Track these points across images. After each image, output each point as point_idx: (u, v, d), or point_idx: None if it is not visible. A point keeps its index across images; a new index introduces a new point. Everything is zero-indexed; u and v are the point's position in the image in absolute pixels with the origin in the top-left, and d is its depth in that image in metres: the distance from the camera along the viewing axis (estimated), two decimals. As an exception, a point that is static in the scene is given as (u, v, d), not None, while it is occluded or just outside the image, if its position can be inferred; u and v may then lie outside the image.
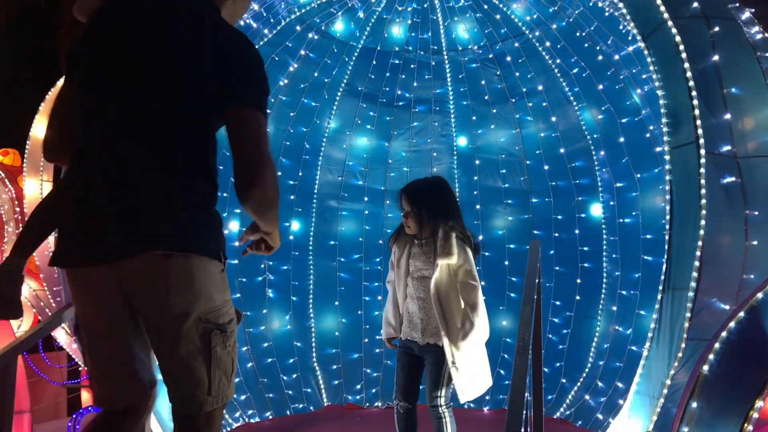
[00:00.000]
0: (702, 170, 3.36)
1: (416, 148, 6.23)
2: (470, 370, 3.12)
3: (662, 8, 3.60)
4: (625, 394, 3.88)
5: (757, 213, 3.37)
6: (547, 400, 5.22)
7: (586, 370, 5.28)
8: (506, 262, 5.88)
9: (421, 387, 3.40)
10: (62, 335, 7.22)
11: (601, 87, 5.25)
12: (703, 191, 3.34)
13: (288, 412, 5.48)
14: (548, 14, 5.41)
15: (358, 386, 5.83)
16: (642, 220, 4.93)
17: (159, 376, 1.93)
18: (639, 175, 4.97)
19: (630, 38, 4.42)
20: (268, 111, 1.80)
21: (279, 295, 5.83)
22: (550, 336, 5.59)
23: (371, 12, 5.75)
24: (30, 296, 7.70)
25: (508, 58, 5.84)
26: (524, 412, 1.92)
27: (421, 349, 3.27)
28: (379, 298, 5.98)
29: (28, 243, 2.12)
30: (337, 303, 6.02)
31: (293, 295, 5.89)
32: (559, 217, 5.82)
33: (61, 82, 7.75)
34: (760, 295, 2.86)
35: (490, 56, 5.92)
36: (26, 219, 2.09)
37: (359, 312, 5.98)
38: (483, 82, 6.00)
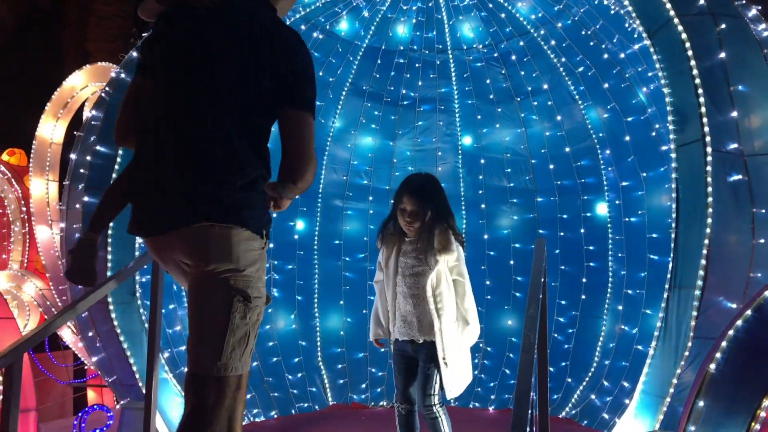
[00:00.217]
0: (708, 168, 3.35)
1: (421, 148, 6.22)
2: (458, 366, 3.15)
3: (668, 5, 3.59)
4: (631, 394, 3.86)
5: (764, 211, 3.35)
6: (553, 400, 5.20)
7: (592, 369, 5.26)
8: (511, 262, 5.86)
9: None
10: (68, 334, 7.24)
11: (606, 85, 5.23)
12: (710, 189, 3.33)
13: (293, 411, 5.48)
14: (553, 13, 5.40)
15: (363, 385, 5.83)
16: (648, 219, 4.90)
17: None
18: (645, 174, 4.95)
19: (636, 36, 4.40)
20: None
21: (284, 295, 5.83)
22: (556, 335, 5.58)
23: (376, 11, 5.75)
24: (36, 295, 7.73)
25: (513, 57, 5.83)
26: (530, 411, 1.91)
27: (417, 349, 3.20)
28: (384, 297, 5.97)
29: (103, 219, 2.38)
30: (342, 302, 6.02)
31: (298, 294, 5.89)
32: (565, 216, 5.80)
33: (66, 83, 7.79)
34: (767, 293, 2.84)
35: (495, 55, 5.91)
36: (102, 195, 2.46)
37: (364, 311, 5.98)
38: (488, 81, 5.99)
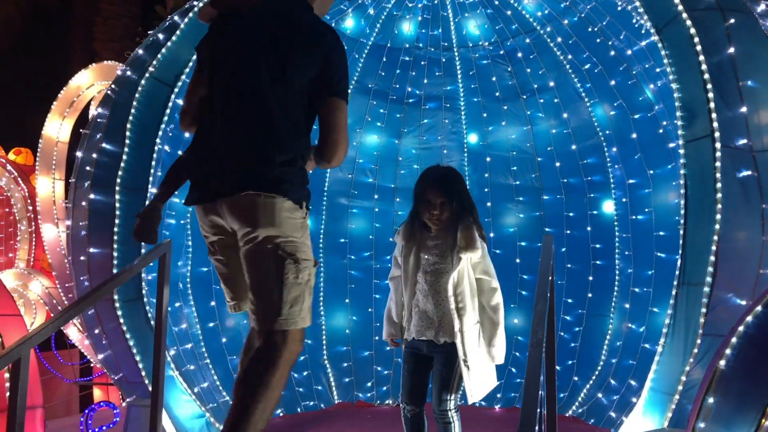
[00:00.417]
0: (717, 164, 3.32)
1: (426, 146, 6.21)
2: (481, 370, 3.01)
3: (676, 0, 3.56)
4: (638, 392, 3.83)
5: (773, 207, 3.32)
6: (559, 398, 5.18)
7: (599, 368, 5.24)
8: (517, 260, 5.84)
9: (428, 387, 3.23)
10: (74, 333, 7.27)
11: (613, 83, 5.20)
12: (719, 185, 3.31)
13: (299, 410, 5.48)
14: (560, 9, 5.38)
15: (369, 384, 5.82)
16: (655, 217, 4.87)
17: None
18: (652, 172, 4.92)
19: (643, 32, 4.37)
20: None
21: (289, 293, 5.81)
22: (562, 334, 5.55)
23: (381, 9, 5.74)
24: (42, 294, 7.76)
25: (519, 55, 5.81)
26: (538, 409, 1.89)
27: (433, 349, 3.06)
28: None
29: (166, 190, 2.77)
30: (347, 301, 6.01)
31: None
32: (571, 214, 5.78)
33: (73, 81, 7.81)
34: (777, 289, 2.81)
35: (501, 52, 5.89)
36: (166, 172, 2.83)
37: (369, 310, 5.97)
38: (494, 79, 5.97)
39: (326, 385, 5.74)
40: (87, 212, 4.32)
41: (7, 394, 2.46)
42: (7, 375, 3.78)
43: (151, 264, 3.73)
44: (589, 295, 5.54)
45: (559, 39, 5.51)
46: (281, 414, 5.35)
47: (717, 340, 3.17)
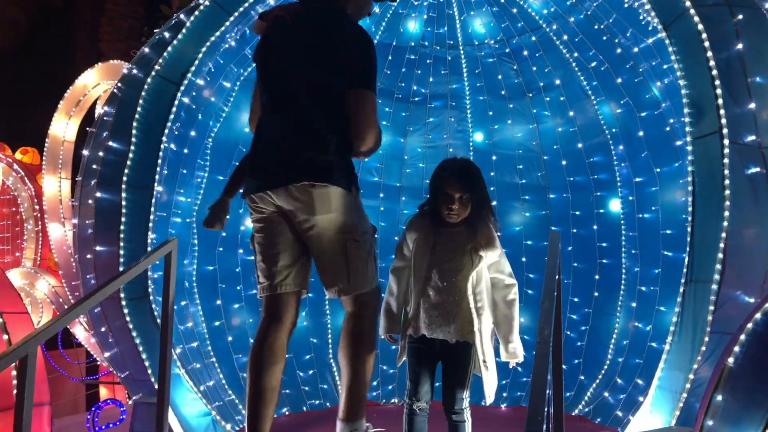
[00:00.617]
0: (726, 160, 3.30)
1: (432, 144, 6.19)
2: (494, 369, 2.96)
3: (684, -4, 3.55)
4: (645, 391, 3.81)
5: (782, 204, 3.30)
6: (566, 397, 5.15)
7: (605, 367, 5.21)
8: (523, 259, 5.82)
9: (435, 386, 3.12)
10: (80, 331, 7.29)
11: (619, 80, 5.18)
12: (727, 182, 3.29)
13: (304, 408, 5.48)
14: (566, 7, 5.36)
15: (374, 383, 5.81)
16: (662, 216, 4.84)
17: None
18: (659, 170, 4.89)
19: (650, 29, 4.35)
20: None
21: (295, 292, 5.81)
22: (569, 333, 5.53)
23: (387, 7, 5.73)
24: (49, 292, 7.79)
25: (525, 53, 5.79)
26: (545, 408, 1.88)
27: (447, 349, 2.94)
28: (395, 294, 5.94)
29: (233, 186, 3.11)
30: (353, 299, 5.99)
31: (309, 291, 5.86)
32: (577, 212, 5.75)
33: (79, 81, 7.84)
34: (786, 287, 2.79)
35: (507, 51, 5.88)
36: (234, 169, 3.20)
37: (375, 308, 5.96)
38: (499, 77, 5.95)
39: (332, 383, 5.74)
40: (93, 210, 4.32)
41: (14, 391, 2.46)
42: (14, 372, 3.79)
43: (157, 262, 3.74)
44: (596, 293, 5.51)
45: (565, 37, 5.48)
46: (287, 413, 5.35)
47: (725, 337, 3.15)
